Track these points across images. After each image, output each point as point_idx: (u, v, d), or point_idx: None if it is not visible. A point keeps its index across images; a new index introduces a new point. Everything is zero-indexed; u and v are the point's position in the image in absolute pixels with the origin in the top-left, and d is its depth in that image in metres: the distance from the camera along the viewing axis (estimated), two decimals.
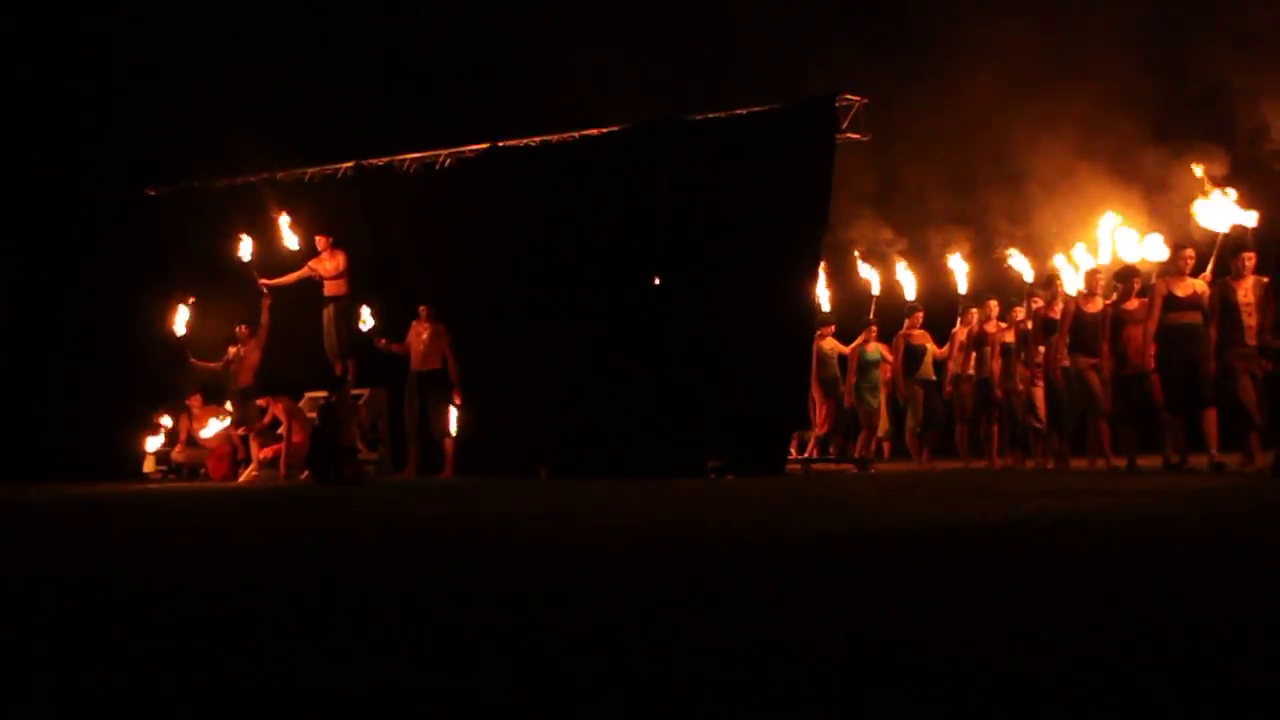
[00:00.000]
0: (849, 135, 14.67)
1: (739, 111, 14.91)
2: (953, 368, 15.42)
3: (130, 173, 17.70)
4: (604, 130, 15.59)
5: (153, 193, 17.87)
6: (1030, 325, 14.37)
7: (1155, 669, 2.70)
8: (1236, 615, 3.48)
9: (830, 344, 16.09)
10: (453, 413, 14.88)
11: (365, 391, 15.41)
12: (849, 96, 14.61)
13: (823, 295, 16.36)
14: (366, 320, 15.48)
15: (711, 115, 15.01)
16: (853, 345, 16.06)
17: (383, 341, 15.11)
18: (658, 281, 14.70)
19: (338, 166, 16.91)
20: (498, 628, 3.57)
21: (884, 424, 16.56)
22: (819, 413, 16.29)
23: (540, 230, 15.37)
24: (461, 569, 5.13)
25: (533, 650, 3.21)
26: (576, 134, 15.71)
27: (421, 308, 14.91)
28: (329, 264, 15.79)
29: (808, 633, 3.29)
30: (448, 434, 14.81)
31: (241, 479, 15.39)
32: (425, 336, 14.84)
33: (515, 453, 14.36)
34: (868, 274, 16.45)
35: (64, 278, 17.76)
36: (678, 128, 15.15)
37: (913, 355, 15.65)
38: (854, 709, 2.45)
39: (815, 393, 16.08)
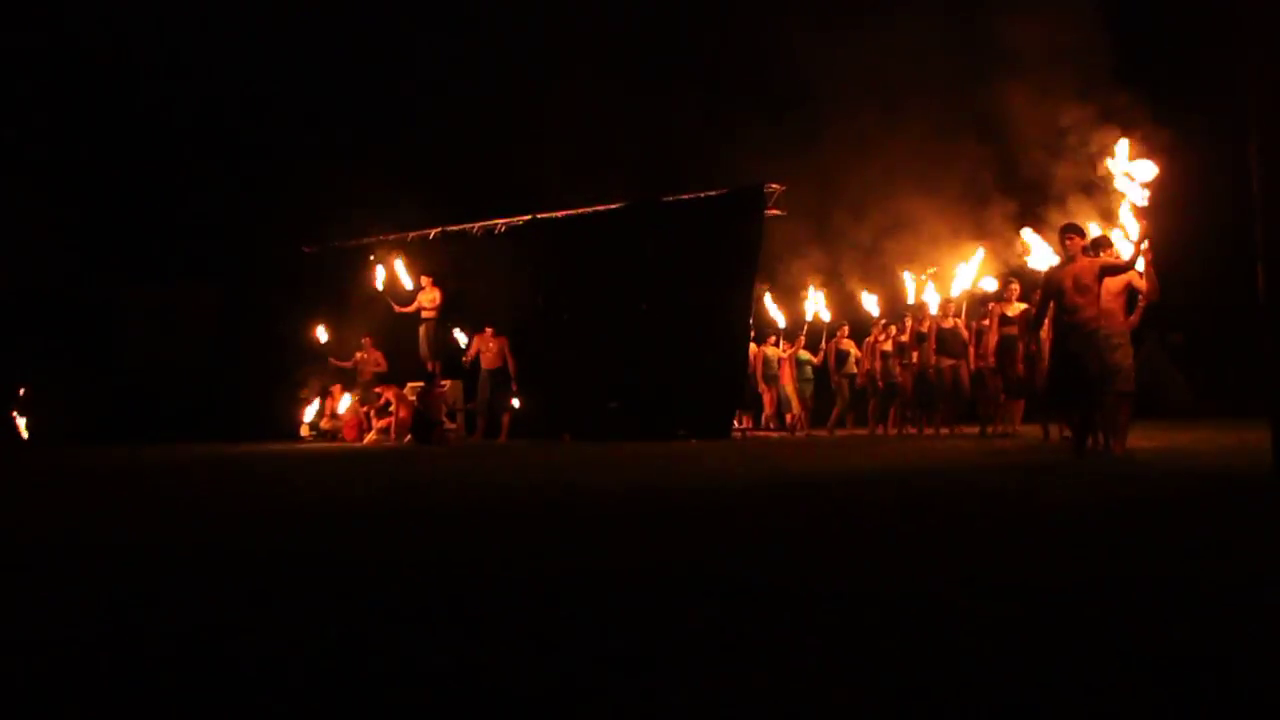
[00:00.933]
0: (773, 210, 14.67)
1: (698, 194, 15.03)
2: (867, 364, 15.05)
3: (292, 236, 17.93)
4: (608, 206, 15.76)
5: (307, 249, 18.02)
6: (906, 338, 14.19)
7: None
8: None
9: (773, 350, 15.94)
10: (511, 398, 15.16)
11: (448, 382, 15.49)
12: (773, 185, 14.59)
13: (777, 316, 16.03)
14: (460, 338, 15.68)
15: (679, 197, 15.18)
16: (789, 353, 15.87)
17: (467, 360, 15.35)
18: (644, 308, 14.85)
19: (429, 231, 17.09)
20: (535, 545, 3.84)
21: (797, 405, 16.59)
22: (765, 397, 16.15)
23: (566, 272, 15.53)
24: (505, 511, 5.21)
25: (553, 553, 3.55)
26: (590, 209, 15.88)
27: (487, 327, 15.12)
28: (430, 296, 16.03)
29: (733, 549, 3.64)
30: (507, 410, 15.05)
31: (365, 441, 15.67)
32: (493, 346, 15.07)
33: (549, 423, 14.53)
34: (811, 301, 15.84)
35: (250, 306, 17.73)
36: (657, 205, 15.38)
37: (841, 357, 15.47)
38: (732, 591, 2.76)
39: (760, 384, 15.91)
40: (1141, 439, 9.06)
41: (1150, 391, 14.21)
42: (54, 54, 18.24)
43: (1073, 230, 7.91)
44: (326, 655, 2.29)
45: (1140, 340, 9.26)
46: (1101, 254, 8.09)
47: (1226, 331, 16.94)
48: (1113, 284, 7.93)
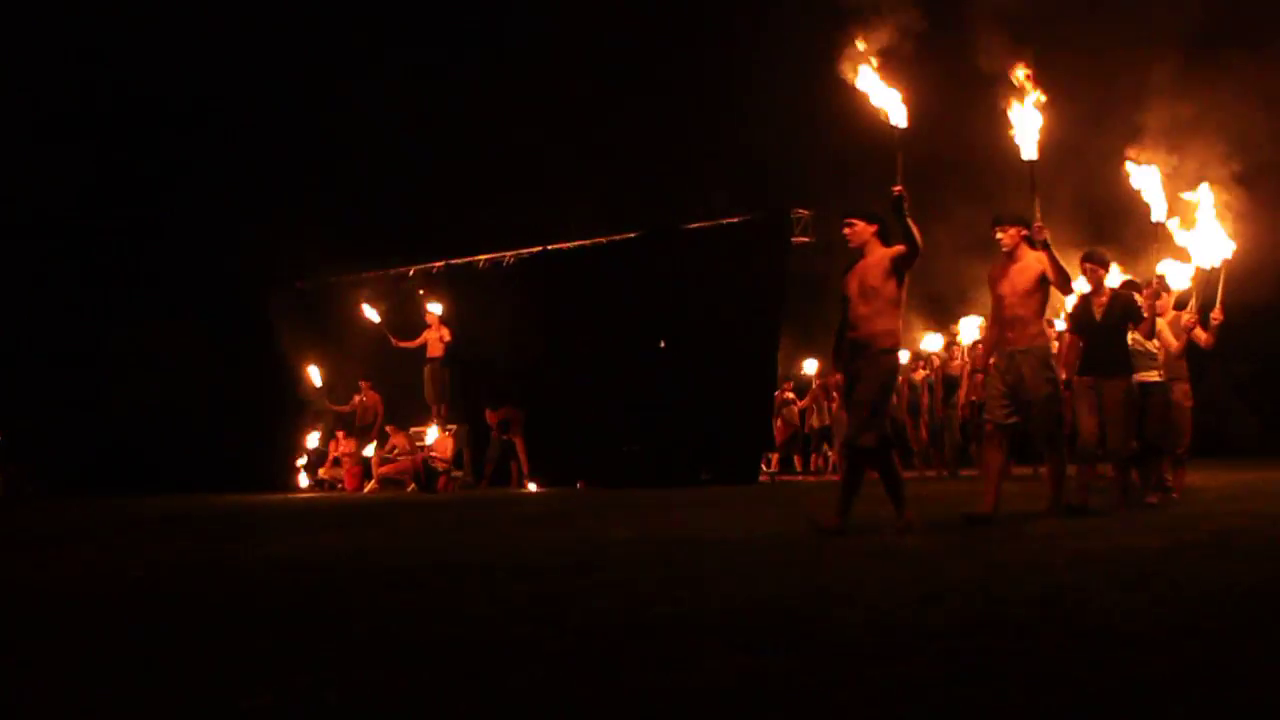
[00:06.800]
0: (801, 238, 14.49)
1: (719, 221, 14.83)
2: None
3: (287, 272, 17.80)
4: (622, 236, 15.59)
5: (301, 285, 17.93)
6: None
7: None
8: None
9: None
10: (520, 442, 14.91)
11: (454, 427, 15.47)
12: (800, 210, 14.47)
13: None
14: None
15: (699, 224, 15.02)
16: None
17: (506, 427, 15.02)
18: (662, 345, 14.62)
19: (432, 264, 16.97)
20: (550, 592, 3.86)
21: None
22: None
23: (578, 307, 15.35)
24: (512, 553, 5.17)
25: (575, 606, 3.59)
26: (604, 239, 15.67)
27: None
28: (437, 334, 15.71)
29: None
30: (519, 459, 14.82)
31: (365, 490, 15.48)
32: None
33: (561, 470, 14.37)
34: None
35: (242, 347, 17.11)
36: (675, 233, 15.23)
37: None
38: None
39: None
40: (1202, 478, 8.63)
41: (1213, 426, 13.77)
42: (34, 91, 18.37)
43: (1003, 222, 6.51)
44: None
45: (1202, 372, 8.58)
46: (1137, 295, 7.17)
47: None
48: (1020, 280, 6.48)
